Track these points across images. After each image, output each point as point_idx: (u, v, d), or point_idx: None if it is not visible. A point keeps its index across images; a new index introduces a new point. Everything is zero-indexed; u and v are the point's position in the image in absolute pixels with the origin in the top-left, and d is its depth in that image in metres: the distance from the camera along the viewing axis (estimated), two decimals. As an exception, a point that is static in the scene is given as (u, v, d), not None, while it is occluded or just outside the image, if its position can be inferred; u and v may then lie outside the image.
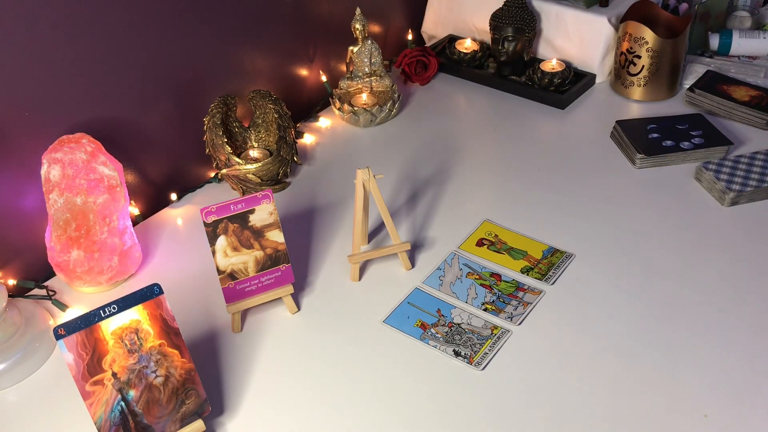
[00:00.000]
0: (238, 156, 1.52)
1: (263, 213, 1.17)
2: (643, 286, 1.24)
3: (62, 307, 1.25)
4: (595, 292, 1.23)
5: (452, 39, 1.95)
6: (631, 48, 1.69)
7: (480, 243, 1.35)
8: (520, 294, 1.24)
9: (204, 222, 1.14)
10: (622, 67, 1.73)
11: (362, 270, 1.30)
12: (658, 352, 1.12)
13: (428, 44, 2.04)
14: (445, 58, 1.91)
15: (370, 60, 1.74)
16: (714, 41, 1.85)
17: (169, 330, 0.98)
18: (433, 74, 1.85)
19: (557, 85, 1.75)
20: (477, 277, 1.28)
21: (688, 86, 1.73)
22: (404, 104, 1.79)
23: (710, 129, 1.57)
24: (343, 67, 1.85)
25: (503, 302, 1.22)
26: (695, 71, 1.78)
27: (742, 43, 1.83)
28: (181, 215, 1.47)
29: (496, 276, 1.28)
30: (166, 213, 1.48)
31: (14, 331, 1.15)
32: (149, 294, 0.96)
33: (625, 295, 1.22)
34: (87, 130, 1.28)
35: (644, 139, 1.55)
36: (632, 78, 1.72)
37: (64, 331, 0.90)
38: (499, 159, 1.59)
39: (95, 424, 0.93)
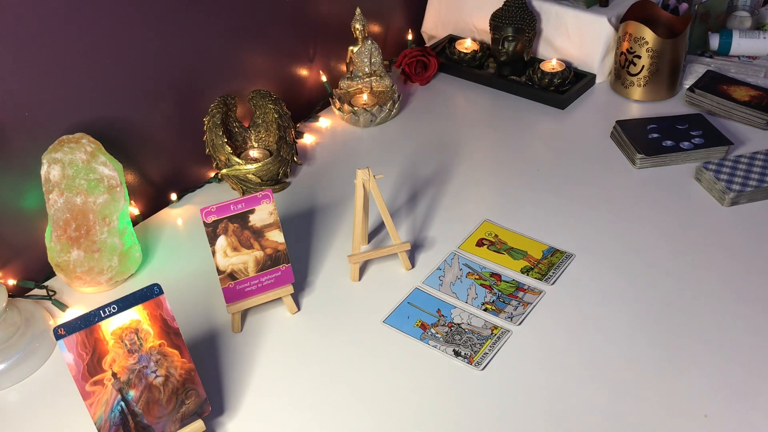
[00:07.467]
0: (238, 156, 1.52)
1: (263, 213, 1.17)
2: (643, 286, 1.24)
3: (62, 307, 1.25)
4: (595, 292, 1.23)
5: (452, 39, 1.95)
6: (631, 48, 1.69)
7: (480, 243, 1.35)
8: (520, 294, 1.24)
9: (204, 222, 1.14)
10: (622, 67, 1.73)
11: (362, 270, 1.30)
12: (658, 352, 1.12)
13: (428, 44, 2.04)
14: (445, 58, 1.91)
15: (370, 60, 1.74)
16: (714, 41, 1.85)
17: (169, 330, 0.98)
18: (433, 74, 1.85)
19: (557, 85, 1.75)
20: (477, 277, 1.28)
21: (688, 86, 1.73)
22: (404, 104, 1.79)
23: (710, 129, 1.57)
24: (343, 67, 1.85)
25: (503, 302, 1.22)
26: (695, 71, 1.78)
27: (742, 43, 1.83)
28: (181, 215, 1.47)
29: (496, 276, 1.28)
30: (166, 213, 1.48)
31: (14, 331, 1.15)
32: (149, 294, 0.96)
33: (625, 295, 1.22)
34: (87, 130, 1.28)
35: (644, 139, 1.55)
36: (632, 78, 1.72)
37: (64, 331, 0.90)
38: (499, 159, 1.59)
39: (95, 424, 0.93)
